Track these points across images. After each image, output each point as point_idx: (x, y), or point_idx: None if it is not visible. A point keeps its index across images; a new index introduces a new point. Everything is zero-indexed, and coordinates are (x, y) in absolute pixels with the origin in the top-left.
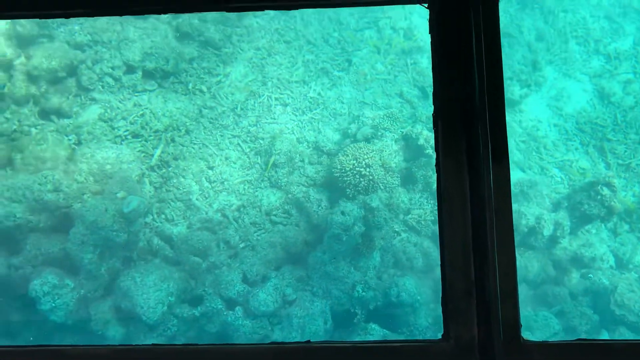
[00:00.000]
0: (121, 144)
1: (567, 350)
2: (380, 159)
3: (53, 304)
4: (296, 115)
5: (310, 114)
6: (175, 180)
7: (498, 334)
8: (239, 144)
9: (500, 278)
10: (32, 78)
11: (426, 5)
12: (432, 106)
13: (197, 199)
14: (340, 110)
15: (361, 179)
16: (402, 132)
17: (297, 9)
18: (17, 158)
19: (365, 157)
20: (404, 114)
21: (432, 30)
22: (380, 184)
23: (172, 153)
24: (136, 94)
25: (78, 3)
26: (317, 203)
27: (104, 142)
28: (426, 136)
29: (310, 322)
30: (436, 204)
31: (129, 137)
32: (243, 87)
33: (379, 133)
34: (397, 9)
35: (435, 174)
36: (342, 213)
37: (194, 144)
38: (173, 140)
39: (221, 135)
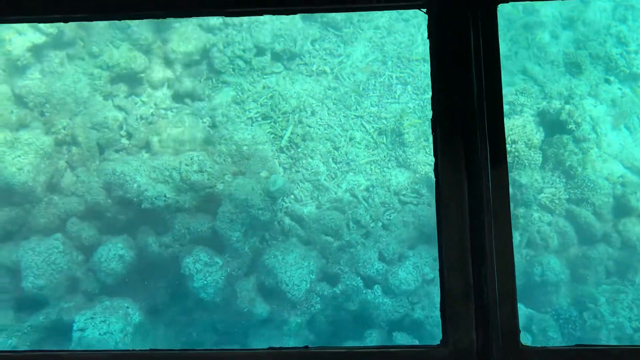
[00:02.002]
0: (252, 125)
1: (566, 355)
2: (525, 135)
3: (204, 282)
4: (417, 95)
5: (431, 92)
6: (303, 161)
7: (496, 339)
8: (362, 124)
9: (499, 282)
10: (168, 62)
11: (425, 10)
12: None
13: (325, 180)
14: None
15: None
16: (539, 108)
17: (296, 13)
18: (155, 140)
19: (510, 133)
20: (535, 90)
21: (431, 35)
22: (525, 161)
23: (300, 134)
24: (265, 76)
25: (79, 7)
26: None
27: (238, 124)
28: (569, 111)
29: None
30: (568, 182)
31: (259, 119)
32: (364, 67)
33: (518, 109)
34: None
35: (434, 178)
36: None
37: (320, 125)
38: (300, 122)
39: (345, 116)
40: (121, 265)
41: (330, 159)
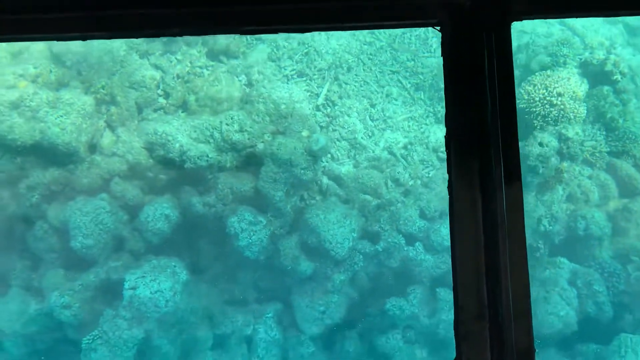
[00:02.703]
0: (288, 83)
1: None
2: (570, 88)
3: (249, 240)
4: None
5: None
6: (340, 119)
7: (511, 359)
8: (399, 79)
9: (513, 301)
10: None
11: (438, 28)
12: (445, 128)
13: (362, 138)
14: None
15: (551, 109)
16: (581, 59)
17: (310, 31)
18: (192, 99)
19: (557, 85)
20: (575, 41)
21: (444, 53)
22: (570, 114)
23: (336, 92)
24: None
25: (97, 27)
26: None
27: (274, 82)
28: (614, 61)
29: None
30: (609, 135)
31: (295, 76)
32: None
33: (561, 61)
34: None
35: (448, 195)
36: (540, 144)
37: (356, 81)
38: (337, 79)
39: (380, 72)
40: (167, 224)
41: (367, 117)
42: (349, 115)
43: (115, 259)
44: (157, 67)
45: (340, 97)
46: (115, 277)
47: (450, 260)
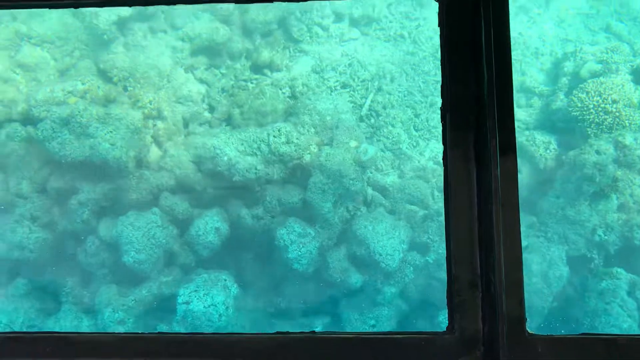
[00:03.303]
0: (332, 94)
1: (572, 344)
2: (625, 95)
3: (298, 252)
4: None
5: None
6: (384, 130)
7: (503, 328)
8: None
9: (506, 272)
10: (247, 32)
11: None
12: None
13: (407, 148)
14: (542, 49)
15: (606, 116)
16: (632, 66)
17: (305, 0)
18: (236, 113)
19: (611, 92)
20: (624, 47)
21: (441, 23)
22: (625, 121)
23: (380, 102)
24: (343, 43)
25: None
26: (544, 146)
27: (318, 94)
28: None
29: (548, 268)
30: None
31: (338, 87)
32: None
33: (613, 67)
34: None
35: (443, 167)
36: (598, 152)
37: (399, 92)
38: (380, 89)
39: (424, 82)
40: (217, 237)
41: (412, 127)
42: (393, 126)
43: (166, 273)
44: (202, 81)
45: (384, 108)
46: (167, 291)
47: (445, 230)
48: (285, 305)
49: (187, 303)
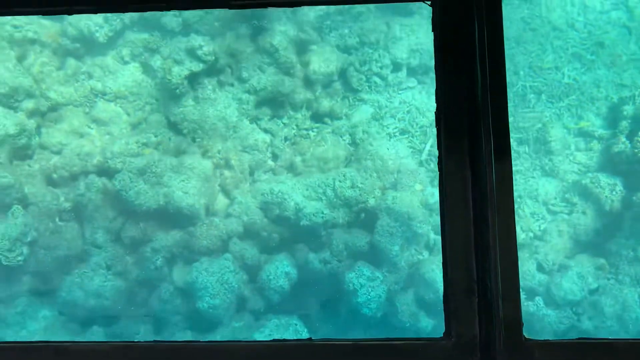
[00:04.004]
0: (390, 140)
1: (569, 349)
2: None
3: (368, 297)
4: (552, 103)
5: (567, 100)
6: None
7: (499, 333)
8: None
9: (502, 276)
10: (308, 83)
11: (429, 2)
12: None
13: None
14: (597, 94)
15: None
16: None
17: (299, 5)
18: (299, 160)
19: None
20: None
21: (435, 27)
22: None
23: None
24: (400, 92)
25: (84, 1)
26: (609, 188)
27: (379, 140)
28: None
29: (622, 311)
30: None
31: (397, 134)
32: None
33: None
34: None
35: (438, 171)
36: None
37: None
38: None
39: None
40: (287, 282)
41: None
42: None
43: (237, 319)
44: (266, 131)
45: None
46: (240, 337)
47: (440, 238)
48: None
49: None
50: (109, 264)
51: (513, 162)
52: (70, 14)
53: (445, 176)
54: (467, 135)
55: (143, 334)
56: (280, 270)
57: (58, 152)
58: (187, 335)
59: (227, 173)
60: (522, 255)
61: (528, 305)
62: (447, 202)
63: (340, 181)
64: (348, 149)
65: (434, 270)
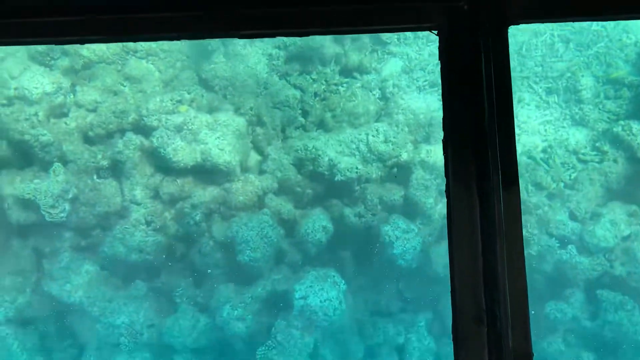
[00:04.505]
0: (420, 93)
1: None
2: None
3: (403, 248)
4: (581, 51)
5: (595, 47)
6: None
7: None
8: (529, 85)
9: (512, 306)
10: (336, 37)
11: (436, 32)
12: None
13: None
14: (626, 41)
15: None
16: None
17: (307, 35)
18: (329, 116)
19: None
20: None
21: (442, 56)
22: None
23: None
24: (429, 44)
25: (95, 31)
26: None
27: (410, 94)
28: None
29: None
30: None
31: (427, 87)
32: (524, 27)
33: None
34: None
35: (446, 199)
36: None
37: None
38: None
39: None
40: (325, 236)
41: None
42: None
43: (276, 271)
44: (296, 87)
45: None
46: (280, 288)
47: (448, 263)
48: (387, 302)
49: (304, 298)
50: (148, 219)
51: (542, 112)
52: (82, 43)
53: (452, 203)
54: (474, 163)
55: (182, 288)
56: (317, 224)
57: (93, 110)
58: (229, 288)
59: (258, 130)
60: (554, 205)
61: (561, 254)
62: (455, 229)
63: (373, 136)
64: (378, 103)
65: None
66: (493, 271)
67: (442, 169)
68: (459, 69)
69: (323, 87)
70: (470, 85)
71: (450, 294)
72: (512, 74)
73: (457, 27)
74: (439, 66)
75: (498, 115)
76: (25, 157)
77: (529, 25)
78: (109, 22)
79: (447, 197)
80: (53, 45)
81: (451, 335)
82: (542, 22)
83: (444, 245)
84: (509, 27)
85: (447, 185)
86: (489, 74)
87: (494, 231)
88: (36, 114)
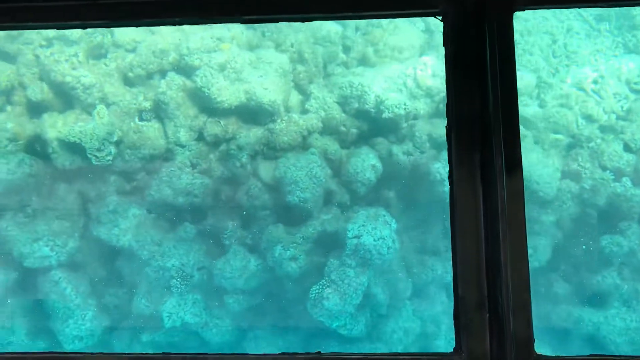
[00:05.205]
0: None
1: None
2: None
3: None
4: None
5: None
6: (522, 58)
7: (510, 348)
8: (578, 12)
9: (514, 292)
10: None
11: (440, 18)
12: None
13: (546, 76)
14: None
15: None
16: None
17: (310, 20)
18: (371, 51)
19: None
20: None
21: (446, 42)
22: None
23: (516, 30)
24: None
25: (97, 15)
26: None
27: None
28: None
29: None
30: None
31: None
32: None
33: None
34: None
35: (449, 186)
36: None
37: (534, 18)
38: (516, 16)
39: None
40: (374, 174)
41: (550, 54)
42: (530, 53)
43: (325, 211)
44: (337, 22)
45: (521, 35)
46: (330, 228)
47: (451, 249)
48: (436, 240)
49: (358, 237)
50: (193, 162)
51: (592, 41)
52: (84, 28)
53: (455, 190)
54: (478, 149)
55: (231, 229)
56: (367, 163)
57: (132, 50)
58: (279, 229)
59: (299, 67)
60: (607, 137)
61: (615, 187)
62: (458, 217)
63: (421, 70)
64: (422, 36)
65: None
66: (495, 258)
67: None
68: (464, 54)
69: (364, 20)
70: (475, 71)
71: (452, 279)
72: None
73: (462, 12)
74: (444, 54)
75: (502, 101)
76: (66, 99)
77: None
78: (110, 6)
79: (449, 182)
80: None
81: (452, 322)
82: (548, 8)
83: None
84: (514, 13)
85: (450, 170)
86: (494, 60)
87: (497, 217)
88: (76, 55)
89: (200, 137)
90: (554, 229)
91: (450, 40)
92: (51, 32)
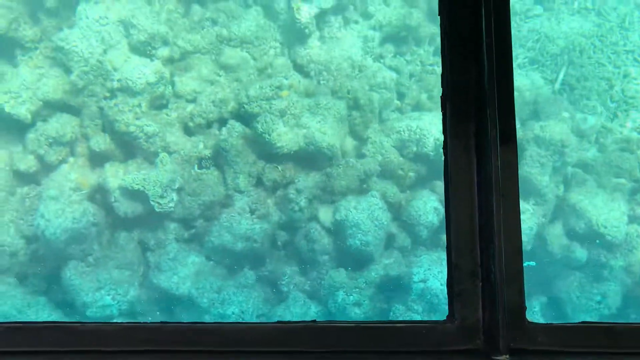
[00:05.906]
0: (521, 70)
1: (571, 332)
2: None
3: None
4: None
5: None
6: (580, 103)
7: (503, 316)
8: (635, 58)
9: (506, 261)
10: (432, 16)
11: None
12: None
13: (605, 120)
14: None
15: None
16: None
17: None
18: (425, 97)
19: None
20: None
21: (442, 11)
22: None
23: (573, 75)
24: (527, 20)
25: None
26: None
27: None
28: None
29: None
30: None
31: (527, 64)
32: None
33: None
34: None
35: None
36: None
37: (590, 64)
38: (571, 62)
39: (614, 53)
40: (436, 217)
41: (608, 99)
42: (588, 99)
43: (387, 255)
44: (391, 68)
45: (578, 81)
46: (393, 273)
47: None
48: None
49: (424, 281)
50: (252, 207)
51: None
52: None
53: (450, 161)
54: (473, 120)
55: (292, 274)
56: (429, 206)
57: (192, 100)
58: (341, 274)
59: (355, 113)
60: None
61: None
62: (452, 186)
63: None
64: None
65: (582, 200)
66: (489, 227)
67: (558, 145)
68: (459, 26)
69: (418, 68)
70: (470, 41)
71: (445, 249)
72: (616, 48)
73: None
74: (440, 23)
75: (497, 72)
76: (128, 149)
77: None
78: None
79: (444, 154)
80: (155, 34)
81: (446, 290)
82: None
83: (559, 225)
84: None
85: (445, 142)
86: (490, 31)
87: (491, 188)
88: (139, 105)
89: (258, 183)
90: (623, 275)
91: (445, 9)
92: (115, 84)
